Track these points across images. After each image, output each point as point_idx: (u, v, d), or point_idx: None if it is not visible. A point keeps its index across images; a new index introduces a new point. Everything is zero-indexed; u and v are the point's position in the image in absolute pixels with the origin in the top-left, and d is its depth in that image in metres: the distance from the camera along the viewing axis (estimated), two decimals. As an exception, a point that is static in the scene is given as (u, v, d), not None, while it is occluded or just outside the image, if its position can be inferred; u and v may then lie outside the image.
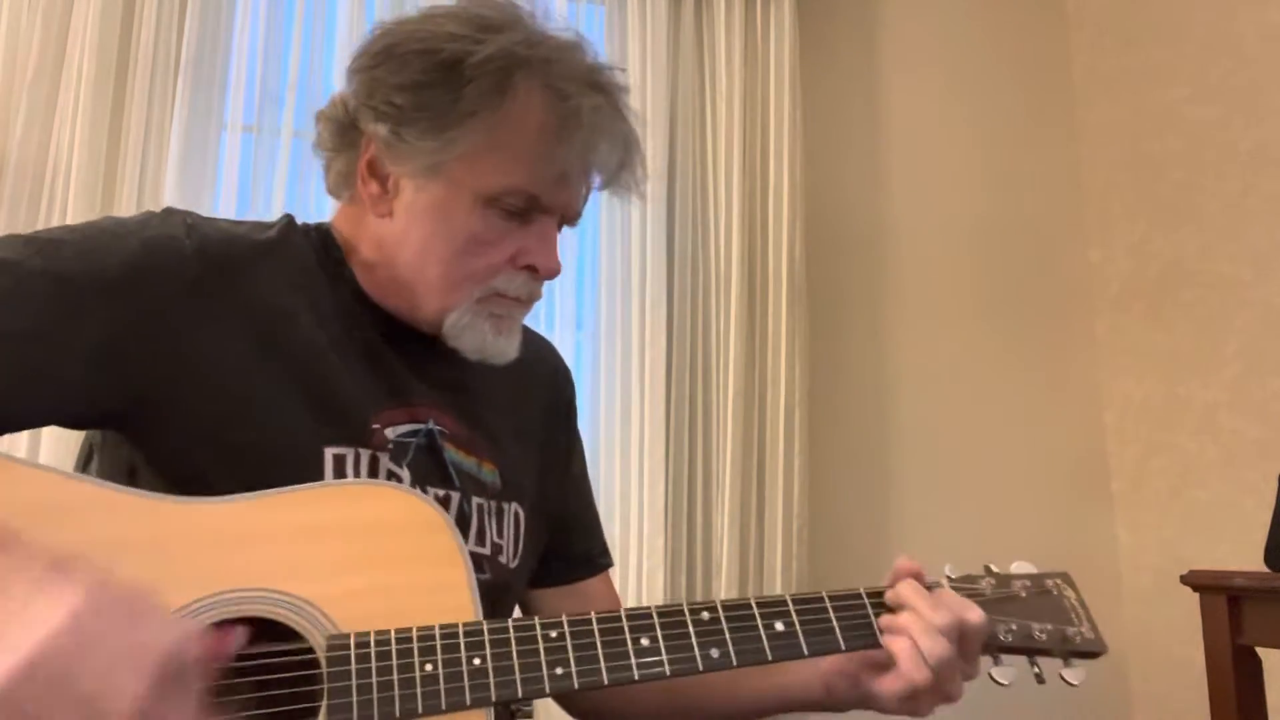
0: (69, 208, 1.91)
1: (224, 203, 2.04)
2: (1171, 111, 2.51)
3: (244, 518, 0.74)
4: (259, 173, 2.08)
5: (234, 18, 2.11)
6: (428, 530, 0.77)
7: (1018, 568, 0.92)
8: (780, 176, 2.38)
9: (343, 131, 0.89)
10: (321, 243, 0.91)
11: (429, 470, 0.88)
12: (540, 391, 1.05)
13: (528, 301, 0.91)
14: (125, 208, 1.95)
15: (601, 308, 2.27)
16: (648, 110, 2.29)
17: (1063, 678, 0.85)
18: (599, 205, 2.12)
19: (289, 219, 0.92)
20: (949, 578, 0.89)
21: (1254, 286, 2.28)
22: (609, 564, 1.10)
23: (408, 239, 0.87)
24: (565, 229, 0.93)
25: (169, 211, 0.86)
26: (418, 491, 0.80)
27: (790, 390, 2.30)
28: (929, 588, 0.85)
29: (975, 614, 0.82)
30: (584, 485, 1.11)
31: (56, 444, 1.79)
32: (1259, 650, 1.59)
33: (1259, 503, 2.06)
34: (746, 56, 2.43)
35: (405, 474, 0.86)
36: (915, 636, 0.80)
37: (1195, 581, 1.63)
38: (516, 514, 0.95)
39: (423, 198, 0.86)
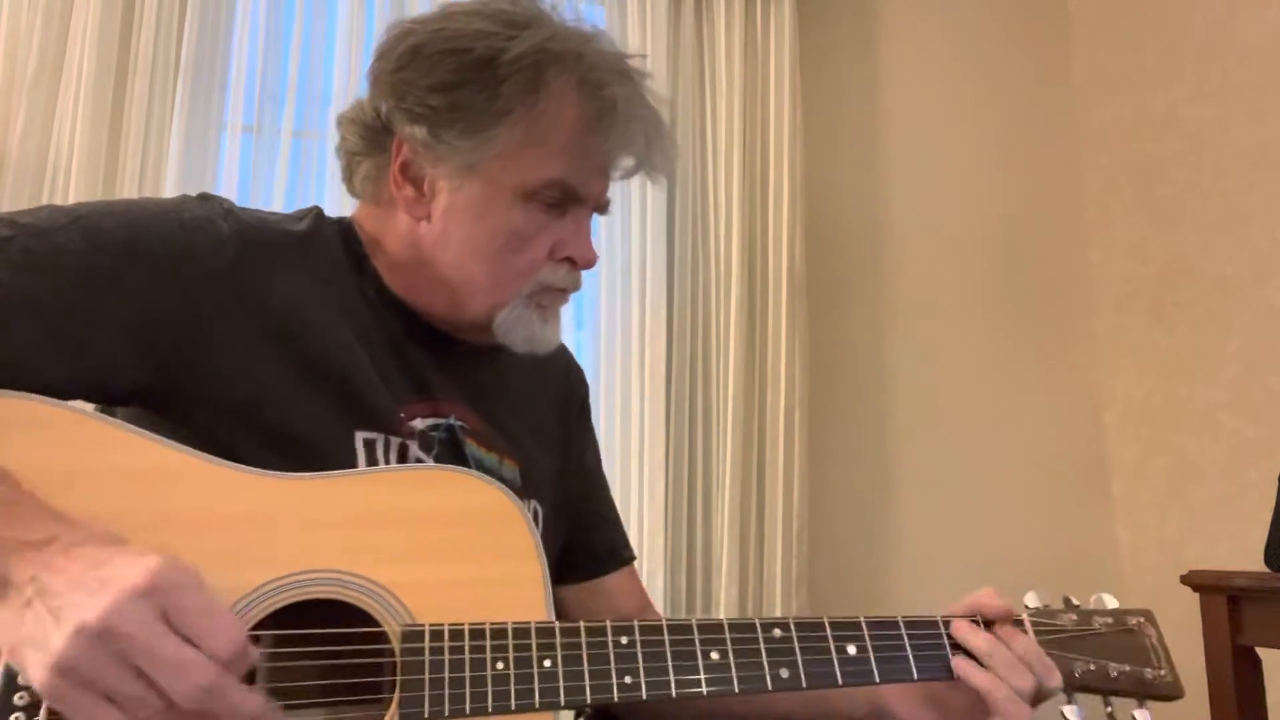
0: (69, 208, 1.91)
1: (224, 203, 2.04)
2: (1171, 111, 2.51)
3: (324, 498, 0.74)
4: (259, 173, 2.08)
5: (234, 18, 2.11)
6: (504, 523, 0.77)
7: (1098, 601, 0.91)
8: (780, 176, 2.38)
9: (372, 135, 0.89)
10: (345, 238, 0.91)
11: (451, 463, 0.88)
12: (554, 390, 1.06)
13: (571, 290, 0.92)
14: (125, 208, 1.94)
15: (601, 308, 2.27)
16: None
17: (1134, 718, 0.85)
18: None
19: (318, 211, 0.93)
20: (1028, 608, 0.88)
21: (1254, 286, 2.28)
22: (633, 557, 1.09)
23: (448, 241, 0.87)
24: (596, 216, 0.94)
25: (205, 196, 0.86)
26: (498, 483, 0.79)
27: (790, 390, 2.30)
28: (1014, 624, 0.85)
29: (1055, 680, 0.82)
30: (601, 480, 1.11)
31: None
32: (1259, 650, 1.59)
33: (1259, 503, 2.06)
34: (746, 56, 2.43)
35: (431, 463, 0.86)
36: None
37: (1195, 581, 1.64)
38: (536, 511, 0.95)
39: (461, 198, 0.86)
